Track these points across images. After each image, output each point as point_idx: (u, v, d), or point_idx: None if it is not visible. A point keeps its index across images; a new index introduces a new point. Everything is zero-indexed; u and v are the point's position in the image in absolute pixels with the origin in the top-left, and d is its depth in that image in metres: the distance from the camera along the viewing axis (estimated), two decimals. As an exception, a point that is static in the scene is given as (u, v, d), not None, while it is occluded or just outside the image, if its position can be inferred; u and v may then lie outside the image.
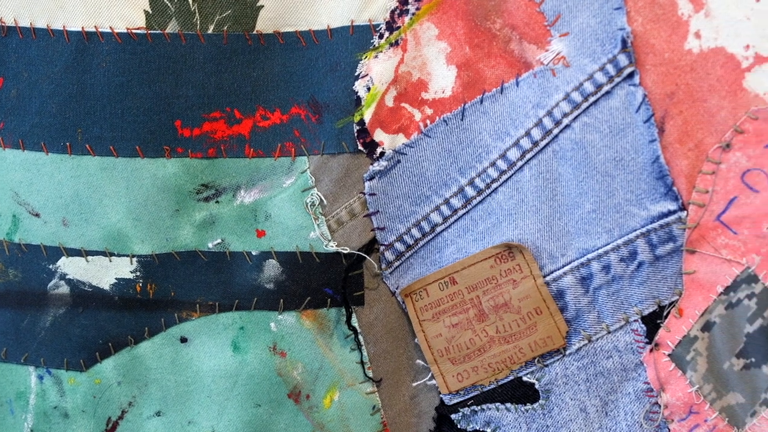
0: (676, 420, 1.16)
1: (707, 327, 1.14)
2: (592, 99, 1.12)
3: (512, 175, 1.16)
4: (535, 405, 1.18)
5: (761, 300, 1.11)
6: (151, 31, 1.13)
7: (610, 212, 1.13)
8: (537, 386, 1.18)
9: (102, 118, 1.13)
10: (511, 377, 1.19)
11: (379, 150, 1.17)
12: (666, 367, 1.15)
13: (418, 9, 1.15)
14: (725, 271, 1.12)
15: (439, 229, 1.18)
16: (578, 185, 1.14)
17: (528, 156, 1.15)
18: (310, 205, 1.17)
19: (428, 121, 1.17)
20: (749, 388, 1.13)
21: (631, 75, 1.11)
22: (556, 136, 1.14)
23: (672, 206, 1.11)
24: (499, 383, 1.19)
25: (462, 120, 1.16)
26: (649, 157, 1.11)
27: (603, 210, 1.14)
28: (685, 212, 1.11)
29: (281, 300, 1.17)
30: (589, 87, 1.12)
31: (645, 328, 1.15)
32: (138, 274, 1.18)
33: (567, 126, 1.13)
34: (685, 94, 1.10)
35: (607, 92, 1.11)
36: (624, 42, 1.10)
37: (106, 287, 1.18)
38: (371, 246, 1.19)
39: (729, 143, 1.10)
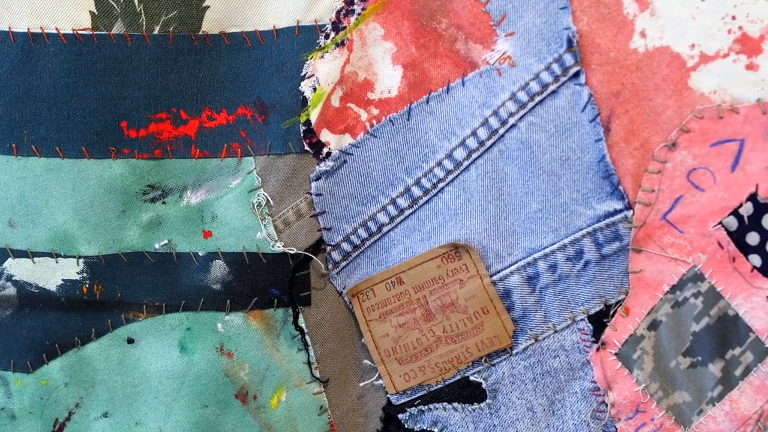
0: (623, 419, 1.04)
1: (654, 326, 1.02)
2: (538, 98, 1.00)
3: (458, 174, 1.03)
4: (482, 404, 1.06)
5: (707, 299, 1.00)
6: (97, 32, 1.00)
7: (556, 211, 1.01)
8: (484, 386, 1.06)
9: (48, 119, 1.01)
10: (458, 377, 1.06)
11: (325, 150, 1.04)
12: (612, 366, 1.03)
13: (363, 9, 1.03)
14: (671, 269, 1.00)
15: (385, 229, 1.06)
16: (524, 185, 1.02)
17: (474, 156, 1.03)
18: (257, 206, 1.04)
19: (374, 121, 1.04)
20: (696, 387, 1.01)
21: (576, 74, 0.99)
22: (503, 135, 1.02)
23: (618, 205, 1.00)
24: (446, 383, 1.07)
25: (408, 120, 1.04)
26: (595, 156, 1.00)
27: (549, 209, 1.02)
28: (631, 211, 1.00)
29: (228, 300, 1.05)
30: (535, 86, 1.00)
31: (592, 327, 1.03)
32: (85, 275, 1.04)
33: (513, 125, 1.01)
34: (631, 93, 0.99)
35: (553, 92, 1.00)
36: (570, 41, 0.99)
37: (53, 288, 1.05)
38: (318, 246, 1.07)
39: (675, 142, 0.98)
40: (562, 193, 1.01)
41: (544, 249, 1.02)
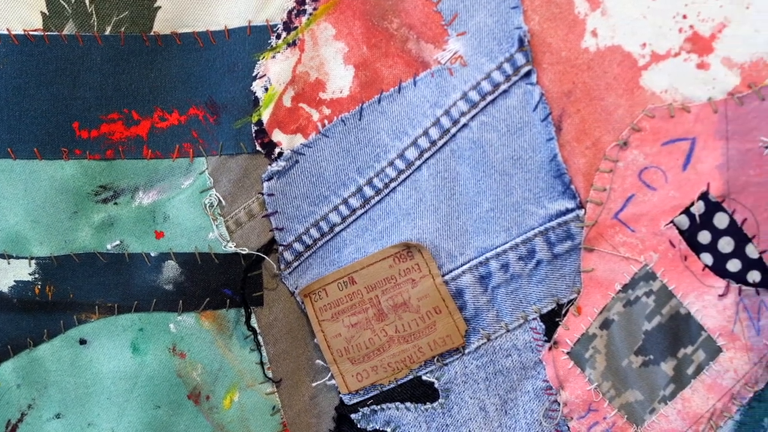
0: (575, 418, 0.94)
1: (606, 325, 0.92)
2: (489, 98, 0.91)
3: (410, 174, 0.94)
4: (435, 404, 0.96)
5: (659, 297, 0.90)
6: (48, 33, 0.90)
7: (508, 211, 0.92)
8: (436, 385, 0.96)
9: (-1, 120, 0.91)
10: (411, 376, 0.97)
11: (277, 150, 0.94)
12: (565, 365, 0.94)
13: (315, 9, 0.93)
14: (623, 268, 0.91)
15: (337, 229, 0.96)
16: (476, 184, 0.92)
17: (426, 155, 0.93)
18: (209, 206, 0.94)
19: (326, 121, 0.94)
20: (647, 386, 0.92)
21: (528, 74, 0.90)
22: (454, 135, 0.92)
23: (570, 204, 0.90)
24: (399, 382, 0.97)
25: (360, 120, 0.94)
26: (546, 155, 0.90)
27: (501, 209, 0.92)
28: (583, 210, 0.90)
29: (180, 301, 0.95)
30: (486, 86, 0.91)
31: (544, 327, 0.94)
32: (37, 276, 0.94)
33: (465, 125, 0.92)
34: (582, 92, 0.89)
35: (505, 91, 0.90)
36: (521, 41, 0.89)
37: (5, 289, 0.94)
38: (270, 246, 0.96)
39: (626, 141, 0.89)
40: (514, 192, 0.91)
41: (496, 248, 0.92)
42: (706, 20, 0.86)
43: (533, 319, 0.94)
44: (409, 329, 0.94)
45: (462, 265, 0.93)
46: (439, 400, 0.96)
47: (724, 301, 0.89)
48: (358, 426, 0.97)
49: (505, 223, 0.92)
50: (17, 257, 0.94)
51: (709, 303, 0.90)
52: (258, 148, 0.94)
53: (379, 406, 0.97)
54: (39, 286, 0.94)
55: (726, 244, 0.89)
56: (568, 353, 0.93)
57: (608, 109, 0.89)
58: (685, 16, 0.87)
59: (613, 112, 0.89)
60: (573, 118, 0.90)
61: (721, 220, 0.88)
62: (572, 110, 0.90)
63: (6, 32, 0.89)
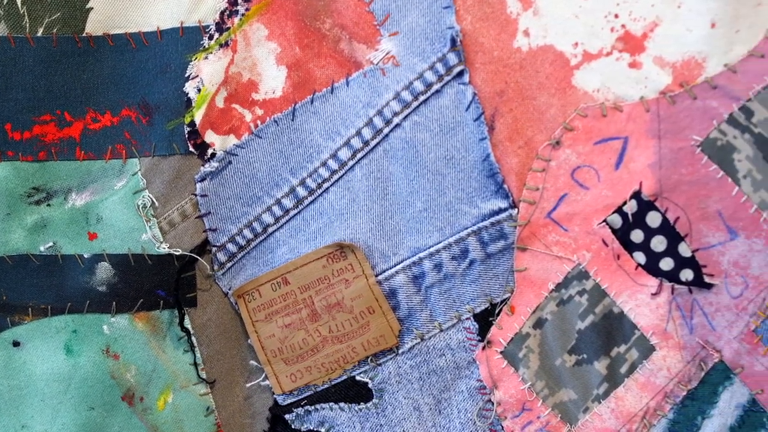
0: (509, 417, 0.83)
1: (539, 324, 0.81)
2: (422, 98, 0.79)
3: (343, 174, 0.82)
4: (369, 404, 0.84)
5: (592, 296, 0.79)
6: (-20, 35, 0.79)
7: (441, 211, 0.81)
8: (370, 385, 0.84)
9: (-68, 122, 0.79)
10: (345, 377, 0.84)
11: (210, 151, 0.82)
12: (498, 365, 0.82)
13: (247, 10, 0.81)
14: (556, 268, 0.80)
15: (271, 229, 0.84)
16: (409, 184, 0.81)
17: (359, 155, 0.81)
18: (142, 207, 0.82)
19: (259, 122, 0.82)
20: (581, 385, 0.81)
21: (460, 74, 0.78)
22: (387, 135, 0.81)
23: (503, 204, 0.79)
24: (333, 383, 0.85)
25: (293, 120, 0.82)
26: (479, 155, 0.79)
27: (434, 208, 0.81)
28: (516, 210, 0.79)
29: (114, 302, 0.83)
30: (419, 86, 0.80)
31: (477, 326, 0.82)
32: (-30, 278, 0.83)
33: (397, 125, 0.80)
34: (515, 92, 0.78)
35: (437, 91, 0.79)
36: (453, 41, 0.78)
37: (-61, 292, 0.83)
38: (203, 247, 0.84)
39: (559, 140, 0.78)
40: (447, 192, 0.80)
41: (429, 248, 0.81)
42: (638, 19, 0.76)
43: (467, 318, 0.82)
44: (342, 329, 0.83)
45: (395, 265, 0.82)
46: (373, 400, 0.84)
47: (657, 300, 0.78)
48: (293, 426, 0.85)
49: (438, 223, 0.81)
50: (-49, 259, 0.82)
51: (642, 302, 0.79)
52: (191, 149, 0.82)
53: (313, 407, 0.85)
54: (-28, 288, 0.82)
55: (659, 243, 0.78)
56: (501, 353, 0.82)
57: (540, 108, 0.78)
58: (616, 16, 0.76)
59: (545, 112, 0.78)
60: (505, 118, 0.79)
61: (653, 219, 0.78)
62: (505, 110, 0.79)
63: (-62, 34, 0.78)
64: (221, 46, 0.81)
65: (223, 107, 0.82)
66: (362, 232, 0.81)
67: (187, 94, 0.81)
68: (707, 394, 0.79)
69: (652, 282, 0.78)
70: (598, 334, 0.79)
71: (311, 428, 0.85)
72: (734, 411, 0.79)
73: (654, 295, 0.78)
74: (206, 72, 0.81)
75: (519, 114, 0.79)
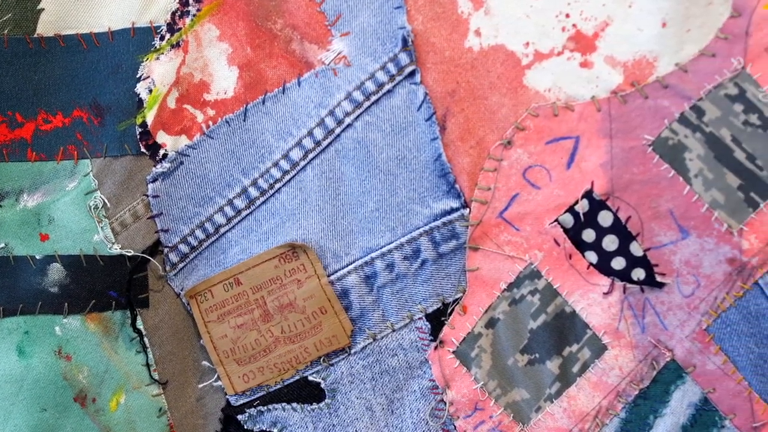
0: (461, 417, 0.76)
1: (491, 323, 0.74)
2: (373, 98, 0.72)
3: (295, 175, 0.74)
4: (321, 404, 0.76)
5: (544, 296, 0.72)
6: (-68, 36, 0.71)
7: (393, 211, 0.73)
8: (323, 385, 0.76)
9: None
10: (297, 377, 0.76)
11: (161, 152, 0.74)
12: (451, 365, 0.75)
13: (199, 10, 0.74)
14: (508, 267, 0.73)
15: (223, 230, 0.75)
16: (361, 184, 0.73)
17: (311, 156, 0.73)
18: (94, 208, 0.74)
19: (211, 123, 0.74)
20: (533, 384, 0.73)
21: (412, 73, 0.71)
22: (339, 135, 0.73)
23: (454, 204, 0.72)
24: (285, 383, 0.76)
25: (244, 121, 0.75)
26: (431, 155, 0.72)
27: (386, 208, 0.73)
28: (468, 210, 0.72)
29: (66, 304, 0.75)
30: (370, 86, 0.72)
31: (429, 326, 0.74)
32: None
33: (349, 125, 0.73)
34: (466, 91, 0.71)
35: (389, 91, 0.72)
36: (405, 41, 0.71)
37: None
38: (156, 248, 0.76)
39: (510, 140, 0.71)
40: (399, 192, 0.73)
41: (381, 248, 0.73)
42: (589, 19, 0.69)
43: (419, 318, 0.74)
44: (295, 330, 0.75)
45: (347, 265, 0.74)
46: (326, 401, 0.76)
47: (609, 299, 0.71)
48: (245, 427, 0.77)
49: (390, 223, 0.73)
50: None
51: (594, 301, 0.71)
52: (142, 149, 0.74)
53: (265, 407, 0.76)
54: (-76, 290, 0.74)
55: (610, 242, 0.71)
56: (453, 352, 0.74)
57: (492, 108, 0.71)
58: (567, 15, 0.69)
59: (497, 112, 0.71)
60: (457, 118, 0.72)
61: (605, 219, 0.70)
62: (456, 110, 0.72)
63: None
64: (172, 46, 0.73)
65: (175, 108, 0.74)
66: (314, 232, 0.74)
67: (139, 94, 0.73)
68: (659, 393, 0.72)
69: (604, 281, 0.71)
70: (550, 333, 0.72)
71: (264, 429, 0.77)
72: (686, 410, 0.71)
73: (606, 294, 0.71)
74: (158, 73, 0.73)
75: (470, 114, 0.71)
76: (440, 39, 0.71)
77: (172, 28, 0.73)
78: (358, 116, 0.72)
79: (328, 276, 0.74)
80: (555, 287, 0.71)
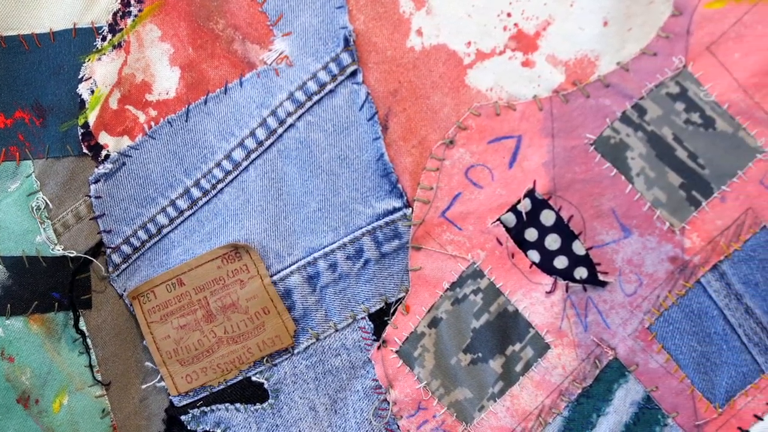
0: (404, 416, 0.67)
1: (434, 323, 0.65)
2: (315, 98, 0.63)
3: (238, 175, 0.64)
4: (265, 404, 0.66)
5: (487, 295, 0.63)
6: None
7: (335, 210, 0.64)
8: (266, 386, 0.66)
9: None
10: (240, 377, 0.67)
11: (104, 152, 0.65)
12: (394, 364, 0.66)
13: (140, 11, 0.65)
14: (451, 267, 0.64)
15: (165, 230, 0.66)
16: (304, 184, 0.64)
17: (253, 156, 0.64)
18: (36, 209, 0.64)
19: (153, 123, 0.65)
20: (476, 383, 0.64)
21: (354, 73, 0.62)
22: (281, 135, 0.64)
23: (397, 203, 0.63)
24: (229, 383, 0.67)
25: (186, 121, 0.65)
26: (373, 154, 0.63)
27: (328, 208, 0.64)
28: (410, 209, 0.63)
29: (8, 305, 0.65)
30: (312, 86, 0.63)
31: (372, 326, 0.65)
32: None
33: (291, 125, 0.64)
34: (408, 91, 0.62)
35: (331, 91, 0.63)
36: (346, 40, 0.62)
37: None
38: (98, 249, 0.66)
39: (452, 140, 0.62)
40: (341, 192, 0.64)
41: (324, 248, 0.64)
42: (531, 18, 0.60)
43: (362, 318, 0.65)
44: (238, 330, 0.66)
45: (290, 265, 0.64)
46: (269, 401, 0.67)
47: (552, 298, 0.63)
48: (188, 428, 0.67)
49: (332, 223, 0.64)
50: None
51: (536, 300, 0.63)
52: (85, 150, 0.64)
53: (209, 408, 0.67)
54: None
55: (553, 241, 0.62)
56: (396, 352, 0.65)
57: (434, 107, 0.63)
58: (509, 14, 0.60)
59: (439, 111, 0.62)
60: (399, 117, 0.63)
61: (547, 218, 0.62)
62: (398, 109, 0.63)
63: None
64: (114, 47, 0.64)
65: (117, 108, 0.65)
66: (257, 232, 0.65)
67: (81, 95, 0.64)
68: (602, 392, 0.63)
69: (547, 280, 0.62)
70: (493, 332, 0.63)
71: (207, 429, 0.67)
72: (629, 408, 0.63)
73: (548, 293, 0.62)
74: (99, 73, 0.64)
75: (413, 113, 0.63)
76: (382, 39, 0.62)
77: (113, 28, 0.64)
78: (300, 116, 0.63)
79: (271, 276, 0.65)
80: (497, 286, 0.63)
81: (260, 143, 0.63)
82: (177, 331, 0.65)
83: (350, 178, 0.63)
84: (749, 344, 0.61)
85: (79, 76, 0.64)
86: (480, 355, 0.63)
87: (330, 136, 0.62)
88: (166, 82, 0.64)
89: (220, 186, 0.64)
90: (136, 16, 0.63)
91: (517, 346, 0.63)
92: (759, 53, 0.58)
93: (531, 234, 0.62)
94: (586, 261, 0.61)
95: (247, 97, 0.64)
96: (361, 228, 0.63)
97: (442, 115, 0.62)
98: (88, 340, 0.66)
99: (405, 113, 0.62)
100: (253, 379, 0.66)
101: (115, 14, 0.64)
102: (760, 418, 0.62)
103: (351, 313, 0.64)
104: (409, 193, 0.63)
